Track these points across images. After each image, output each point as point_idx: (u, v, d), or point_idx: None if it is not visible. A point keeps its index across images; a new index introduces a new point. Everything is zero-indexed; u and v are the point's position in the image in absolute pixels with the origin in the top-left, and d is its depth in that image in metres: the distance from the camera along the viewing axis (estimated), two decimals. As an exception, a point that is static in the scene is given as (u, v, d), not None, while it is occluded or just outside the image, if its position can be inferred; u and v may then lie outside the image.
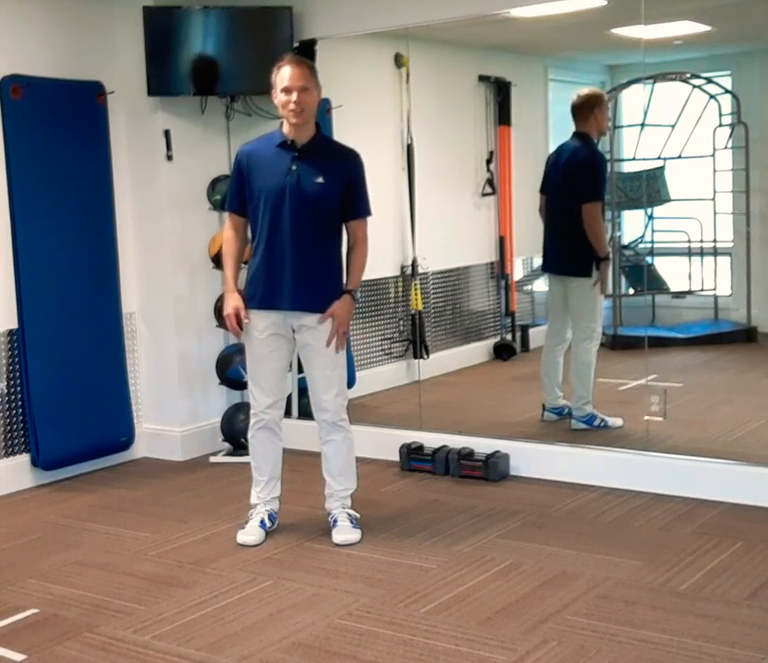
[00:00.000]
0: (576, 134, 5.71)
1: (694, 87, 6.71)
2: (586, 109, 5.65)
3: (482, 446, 5.29)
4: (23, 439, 5.43)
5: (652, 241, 6.91)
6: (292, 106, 4.17)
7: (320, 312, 4.28)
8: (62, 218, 5.50)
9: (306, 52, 5.57)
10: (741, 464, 4.76)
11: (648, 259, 6.97)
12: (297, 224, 4.23)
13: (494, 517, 4.62)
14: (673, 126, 6.65)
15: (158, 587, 3.97)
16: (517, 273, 6.92)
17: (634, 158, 6.74)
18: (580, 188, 5.59)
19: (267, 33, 5.71)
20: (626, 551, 4.13)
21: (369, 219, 4.37)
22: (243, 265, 4.47)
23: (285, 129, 4.29)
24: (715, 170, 6.85)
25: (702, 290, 7.09)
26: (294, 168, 4.24)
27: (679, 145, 6.67)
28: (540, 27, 5.90)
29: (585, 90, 5.74)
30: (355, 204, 4.30)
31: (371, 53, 6.36)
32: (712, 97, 6.70)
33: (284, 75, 4.20)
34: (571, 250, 5.75)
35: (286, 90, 4.18)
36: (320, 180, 4.23)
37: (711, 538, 4.23)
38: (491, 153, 6.72)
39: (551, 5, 5.21)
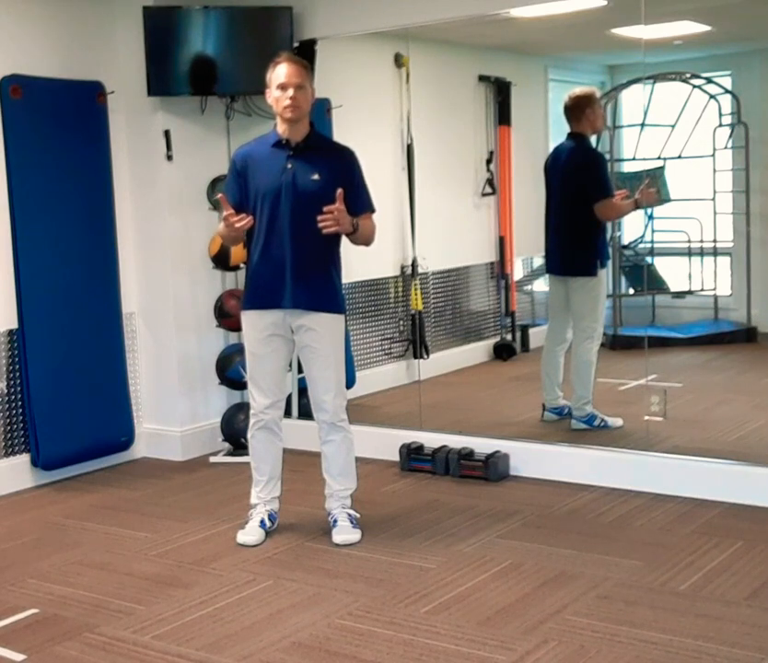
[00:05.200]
0: (570, 135, 5.73)
1: (694, 87, 6.71)
2: (578, 109, 5.67)
3: (482, 446, 5.29)
4: (23, 439, 5.43)
5: (652, 241, 6.91)
6: (288, 102, 4.17)
7: (319, 310, 4.28)
8: (62, 218, 5.50)
9: (306, 52, 5.57)
10: (741, 464, 4.76)
11: (648, 259, 6.97)
12: (295, 222, 4.22)
13: (494, 517, 4.62)
14: (673, 126, 6.65)
15: (158, 587, 3.97)
16: (518, 273, 6.92)
17: (634, 158, 6.74)
18: (587, 190, 5.60)
19: (267, 33, 5.71)
20: (626, 551, 4.13)
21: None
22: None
23: (280, 129, 4.29)
24: (715, 170, 6.85)
25: (702, 290, 7.09)
26: (289, 166, 4.24)
27: (679, 145, 6.67)
28: (540, 27, 5.90)
29: (576, 91, 5.75)
30: (358, 201, 4.28)
31: (371, 53, 6.36)
32: (712, 97, 6.71)
33: (279, 72, 4.21)
34: (572, 250, 5.77)
35: (282, 87, 4.19)
36: (316, 176, 4.23)
37: (711, 538, 4.23)
38: (491, 153, 6.72)
39: (551, 5, 5.22)
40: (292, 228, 4.23)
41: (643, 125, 6.58)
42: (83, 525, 4.79)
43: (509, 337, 6.93)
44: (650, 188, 6.13)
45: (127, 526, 4.73)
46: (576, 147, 5.72)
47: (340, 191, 4.12)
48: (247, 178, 4.30)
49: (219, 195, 4.38)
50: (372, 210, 4.36)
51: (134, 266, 5.92)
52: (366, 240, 4.37)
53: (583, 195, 5.62)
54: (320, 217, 4.13)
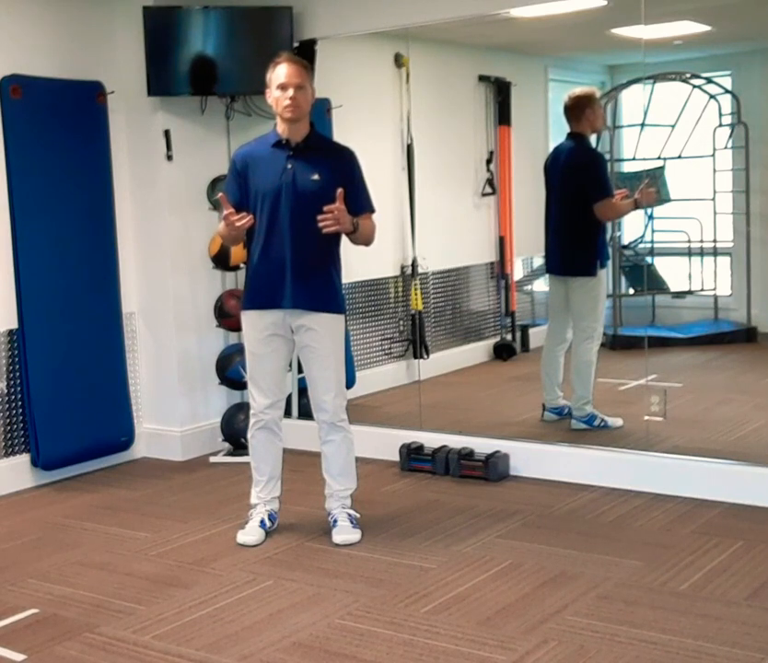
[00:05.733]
0: (570, 135, 5.73)
1: (694, 87, 6.71)
2: (578, 109, 5.67)
3: (482, 446, 5.29)
4: (23, 439, 5.43)
5: (652, 241, 6.91)
6: (288, 102, 4.17)
7: (319, 311, 4.28)
8: (62, 218, 5.50)
9: (306, 52, 5.57)
10: (741, 464, 4.76)
11: (648, 259, 6.98)
12: (295, 222, 4.23)
13: (494, 517, 4.62)
14: (673, 126, 6.65)
15: (158, 587, 3.97)
16: (518, 273, 6.92)
17: (634, 158, 6.75)
18: (586, 190, 5.61)
19: (267, 33, 5.71)
20: (626, 551, 4.13)
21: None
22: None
23: (280, 129, 4.29)
24: (715, 170, 6.85)
25: (702, 290, 7.09)
26: (289, 166, 4.24)
27: (679, 145, 6.67)
28: (540, 27, 5.90)
29: (576, 91, 5.75)
30: (358, 201, 4.29)
31: (371, 53, 6.36)
32: (712, 97, 6.71)
33: (279, 72, 4.21)
34: (572, 250, 5.77)
35: (282, 87, 4.19)
36: (316, 177, 4.24)
37: (711, 538, 4.23)
38: (491, 153, 6.72)
39: (551, 5, 5.22)
40: (292, 228, 4.23)
41: (643, 125, 6.58)
42: (83, 525, 4.79)
43: (509, 337, 6.93)
44: (650, 188, 6.13)
45: (127, 526, 4.73)
46: (576, 147, 5.72)
47: (340, 190, 4.13)
48: (247, 178, 4.30)
49: (219, 195, 4.38)
50: (372, 210, 4.37)
51: (134, 266, 5.92)
52: (366, 240, 4.37)
53: (583, 195, 5.62)
54: (319, 217, 4.13)
